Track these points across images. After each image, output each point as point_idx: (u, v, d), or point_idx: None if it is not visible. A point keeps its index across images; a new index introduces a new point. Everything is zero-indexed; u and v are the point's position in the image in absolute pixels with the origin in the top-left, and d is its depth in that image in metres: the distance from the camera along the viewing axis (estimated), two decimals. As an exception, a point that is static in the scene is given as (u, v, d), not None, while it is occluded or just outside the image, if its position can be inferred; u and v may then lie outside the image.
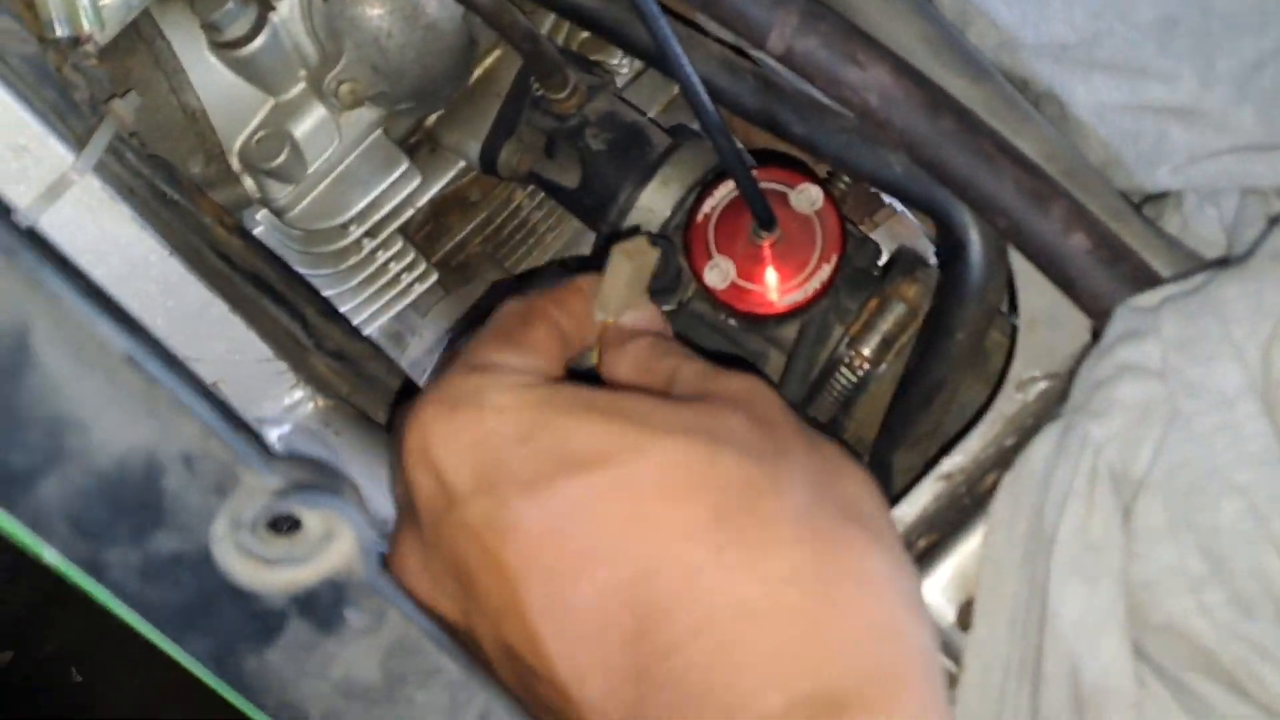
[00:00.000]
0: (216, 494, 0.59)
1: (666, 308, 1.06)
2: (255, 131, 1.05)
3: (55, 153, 0.89)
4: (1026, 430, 0.87)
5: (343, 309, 1.16)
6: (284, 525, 0.60)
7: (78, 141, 0.90)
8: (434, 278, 1.20)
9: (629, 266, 0.79)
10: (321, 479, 0.60)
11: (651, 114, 1.22)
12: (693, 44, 0.93)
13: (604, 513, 0.63)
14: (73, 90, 0.95)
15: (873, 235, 1.26)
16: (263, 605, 0.60)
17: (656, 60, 0.87)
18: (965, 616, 0.81)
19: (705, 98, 0.84)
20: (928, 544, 0.84)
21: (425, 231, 1.23)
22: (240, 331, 0.94)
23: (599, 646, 0.62)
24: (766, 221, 0.93)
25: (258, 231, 1.13)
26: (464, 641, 0.69)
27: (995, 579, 0.78)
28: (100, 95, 0.97)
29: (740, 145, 1.26)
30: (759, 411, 0.69)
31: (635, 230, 0.93)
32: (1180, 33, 0.94)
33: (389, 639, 0.63)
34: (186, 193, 0.98)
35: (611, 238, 1.06)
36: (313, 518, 0.60)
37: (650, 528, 0.62)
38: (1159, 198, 0.94)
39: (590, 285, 0.81)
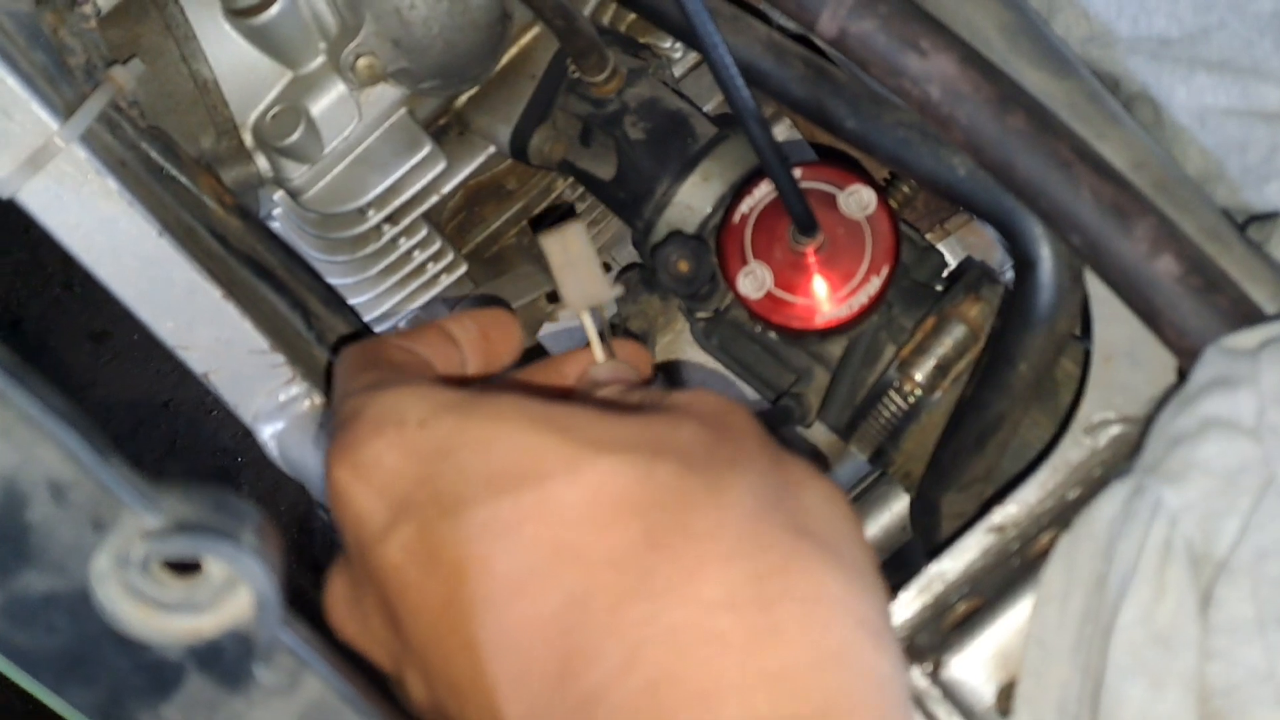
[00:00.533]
0: (93, 529, 0.51)
1: (702, 314, 0.96)
2: (270, 106, 0.97)
3: (39, 119, 0.82)
4: (1093, 482, 0.76)
5: (362, 298, 1.08)
6: (180, 567, 0.52)
7: (66, 108, 0.83)
8: (463, 268, 1.11)
9: (560, 251, 0.70)
10: (219, 519, 0.51)
11: (710, 108, 1.12)
12: (737, 23, 0.83)
13: (529, 539, 0.57)
14: (67, 55, 0.88)
15: (943, 245, 1.16)
16: (155, 656, 0.52)
17: (686, 34, 0.77)
18: (1005, 701, 0.70)
19: (735, 76, 0.74)
20: (969, 609, 0.74)
21: (458, 221, 1.14)
22: (233, 319, 0.87)
23: (524, 690, 0.57)
24: (806, 225, 0.83)
25: (275, 213, 1.05)
26: (398, 690, 0.63)
27: (1042, 663, 0.67)
28: (98, 61, 0.90)
29: (796, 139, 1.15)
30: (716, 419, 0.62)
31: (558, 212, 0.81)
32: (1302, 29, 0.82)
33: (304, 702, 0.54)
34: (186, 168, 0.90)
35: (651, 250, 0.96)
36: (214, 561, 0.51)
37: (575, 555, 0.56)
38: (1267, 218, 0.83)
39: (453, 326, 0.74)
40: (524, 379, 0.73)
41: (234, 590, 0.52)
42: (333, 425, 0.66)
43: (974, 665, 0.72)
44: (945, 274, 0.97)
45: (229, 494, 0.52)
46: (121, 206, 0.83)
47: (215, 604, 0.52)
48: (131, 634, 0.51)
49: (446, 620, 0.57)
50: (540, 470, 0.57)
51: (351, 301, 1.06)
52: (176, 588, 0.51)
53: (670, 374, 1.12)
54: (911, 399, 0.89)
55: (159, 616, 0.51)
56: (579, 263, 0.71)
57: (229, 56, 0.95)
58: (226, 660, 0.52)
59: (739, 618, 0.55)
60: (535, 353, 1.04)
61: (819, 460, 1.06)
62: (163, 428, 2.02)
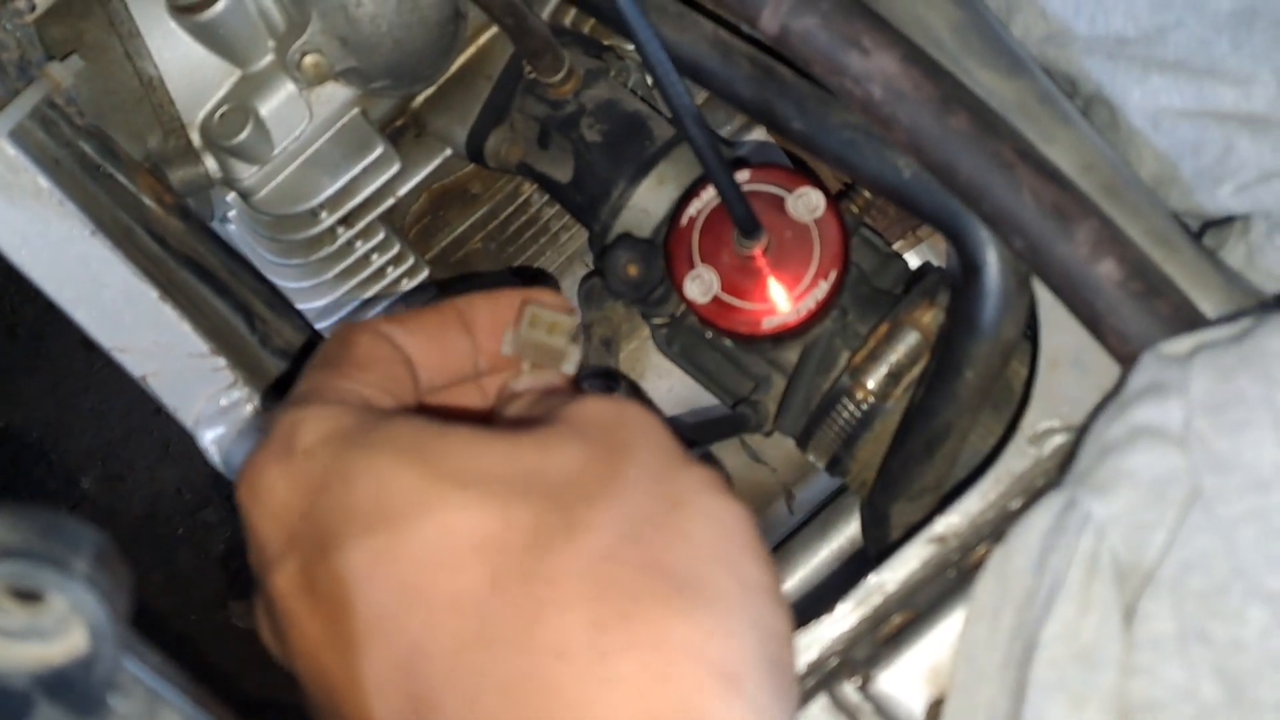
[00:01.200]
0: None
1: (658, 321, 0.94)
2: (218, 105, 0.95)
3: (-36, 115, 0.81)
4: (1035, 493, 0.74)
5: (319, 302, 1.07)
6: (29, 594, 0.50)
7: (-4, 105, 0.82)
8: (425, 273, 1.10)
9: (542, 337, 0.69)
10: (48, 545, 0.49)
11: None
12: (682, 20, 0.81)
13: (383, 579, 0.55)
14: (0, 50, 0.87)
15: (915, 252, 1.13)
16: (1, 685, 0.50)
17: (625, 29, 0.75)
18: (934, 717, 0.68)
19: (668, 70, 0.72)
20: (903, 621, 0.71)
21: (422, 225, 1.12)
22: (171, 321, 0.86)
23: None
24: (748, 227, 0.81)
25: (230, 215, 1.04)
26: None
27: (971, 679, 0.65)
28: (33, 58, 0.89)
29: (769, 143, 1.13)
30: (603, 433, 0.59)
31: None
32: (1261, 27, 0.81)
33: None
34: (125, 167, 0.89)
35: (600, 253, 0.94)
36: (56, 592, 0.49)
37: (422, 598, 0.54)
38: (1222, 223, 0.81)
39: (466, 309, 0.70)
40: (442, 403, 0.70)
41: (76, 619, 0.50)
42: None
43: (905, 680, 0.70)
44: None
45: (64, 518, 0.50)
46: (53, 205, 0.82)
47: (60, 632, 0.50)
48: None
49: (324, 657, 0.56)
50: (394, 509, 0.55)
51: (307, 305, 1.05)
52: (19, 614, 0.50)
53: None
54: (865, 406, 0.87)
55: (2, 644, 0.49)
56: (552, 348, 0.69)
57: (175, 54, 0.94)
58: (77, 690, 0.50)
59: (572, 668, 0.52)
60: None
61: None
62: (155, 435, 2.02)
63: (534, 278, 1.15)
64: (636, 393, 1.06)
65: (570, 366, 0.70)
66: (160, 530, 2.05)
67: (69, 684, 0.49)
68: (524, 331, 0.68)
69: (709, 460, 0.78)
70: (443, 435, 0.57)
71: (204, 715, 0.52)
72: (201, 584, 2.02)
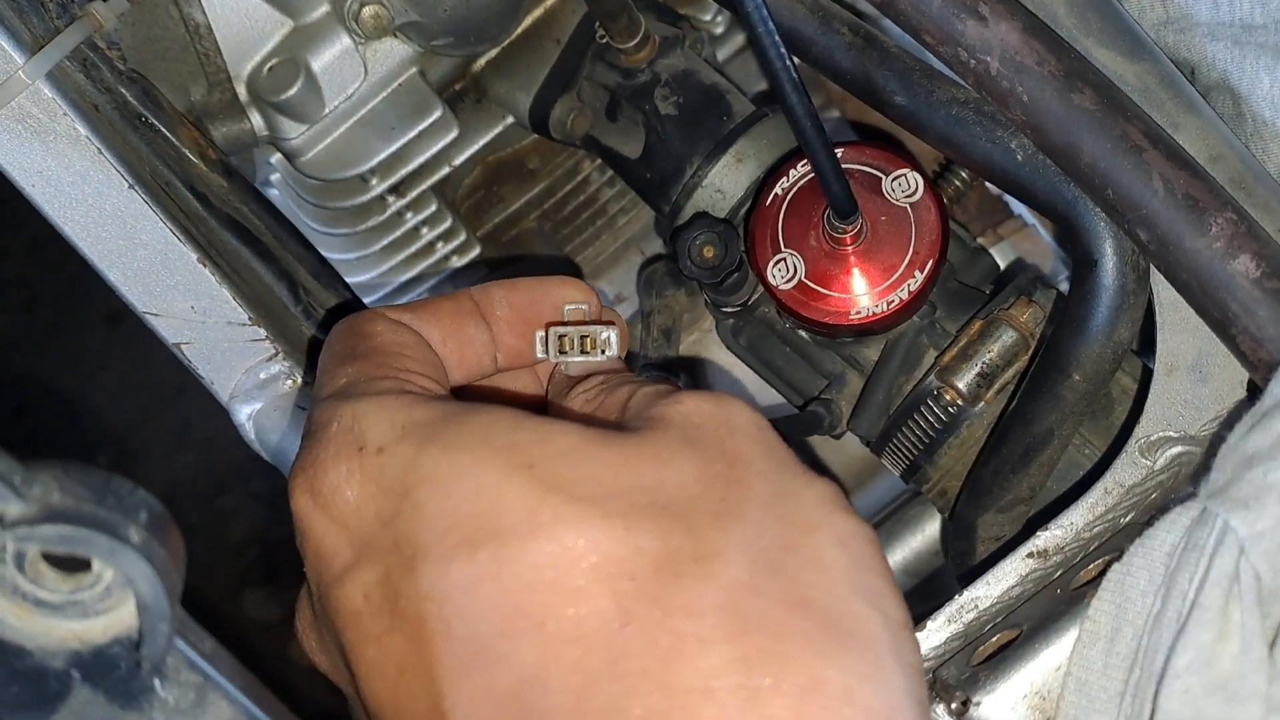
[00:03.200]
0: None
1: (728, 309, 0.88)
2: (268, 58, 0.90)
3: (1, 51, 0.75)
4: (1149, 507, 0.68)
5: (363, 276, 1.01)
6: (73, 563, 0.44)
7: (34, 43, 0.77)
8: (475, 250, 1.04)
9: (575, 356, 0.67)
10: (101, 509, 0.43)
11: (755, 96, 1.04)
12: (779, -17, 0.75)
13: (486, 601, 0.50)
14: (41, -13, 0.81)
15: (994, 250, 1.07)
16: (35, 663, 0.44)
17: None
18: (1039, 748, 0.62)
19: (770, 31, 0.65)
20: (1003, 641, 0.65)
21: (475, 200, 1.06)
22: (210, 286, 0.81)
23: None
24: (844, 207, 0.75)
25: (273, 178, 0.98)
26: None
27: (1083, 709, 0.59)
28: (77, -4, 0.83)
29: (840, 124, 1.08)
30: (714, 443, 0.55)
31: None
32: (1405, 18, 0.74)
33: (211, 725, 0.47)
34: (167, 118, 0.83)
35: (672, 235, 0.88)
36: (105, 560, 0.43)
37: (536, 625, 0.50)
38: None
39: (483, 299, 0.66)
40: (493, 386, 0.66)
41: (124, 595, 0.44)
42: (305, 426, 0.59)
43: (1006, 706, 0.64)
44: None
45: (117, 478, 0.45)
46: (90, 153, 0.77)
47: (105, 607, 0.44)
48: (5, 637, 0.44)
49: (405, 685, 0.51)
50: (500, 523, 0.50)
51: (351, 280, 0.99)
52: (60, 586, 0.44)
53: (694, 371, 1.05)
54: (951, 410, 0.81)
55: (37, 618, 0.44)
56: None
57: (224, 1, 0.88)
58: (119, 672, 0.45)
59: (720, 709, 0.48)
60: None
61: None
62: (173, 417, 1.96)
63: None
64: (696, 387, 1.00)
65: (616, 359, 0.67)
66: (175, 516, 1.99)
67: (111, 666, 0.44)
68: (554, 355, 0.66)
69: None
70: (545, 438, 0.52)
71: (257, 709, 0.47)
72: (216, 572, 1.97)
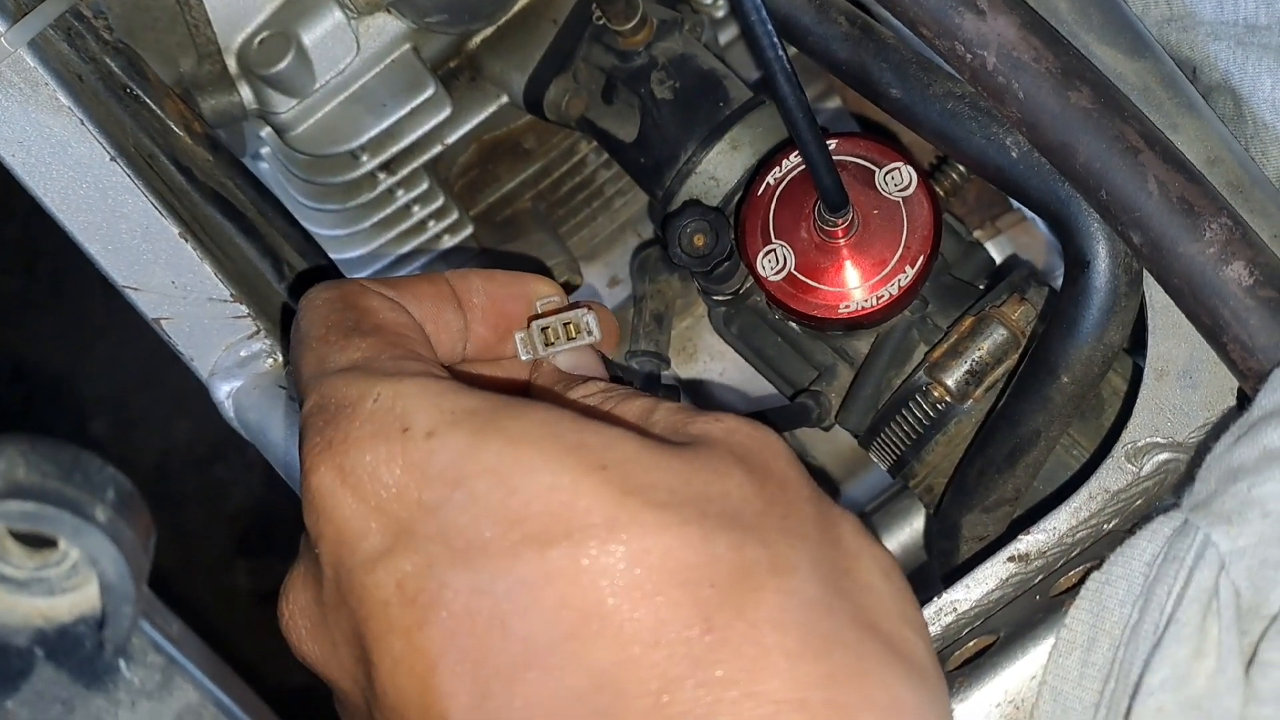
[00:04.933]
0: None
1: (717, 298, 0.87)
2: (258, 30, 0.89)
3: (-19, 20, 0.75)
4: (1133, 514, 0.67)
5: (351, 253, 1.00)
6: (30, 540, 0.43)
7: (17, 10, 0.76)
8: (468, 230, 1.03)
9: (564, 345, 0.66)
10: (66, 486, 0.42)
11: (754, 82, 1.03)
12: (776, -30, 0.74)
13: (555, 602, 0.49)
14: (25, -47, 0.80)
15: (992, 245, 1.06)
16: None
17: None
18: (1011, 756, 0.61)
19: (762, 15, 0.64)
20: (979, 647, 0.65)
21: (469, 179, 1.05)
22: (192, 262, 0.80)
23: None
24: (835, 200, 0.74)
25: (263, 152, 0.97)
26: None
27: (1057, 719, 0.58)
28: (63, -38, 0.82)
29: (841, 113, 1.06)
30: (762, 464, 0.54)
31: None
32: None
33: (178, 707, 0.46)
34: (153, 90, 0.82)
35: (663, 221, 0.87)
36: (70, 539, 0.43)
37: (612, 628, 0.49)
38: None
39: (460, 285, 0.65)
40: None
41: (89, 574, 0.44)
42: (308, 403, 0.56)
43: (979, 714, 0.63)
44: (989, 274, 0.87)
45: (86, 455, 0.44)
46: (72, 124, 0.76)
47: (71, 585, 0.43)
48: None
49: (439, 682, 0.50)
50: (574, 522, 0.49)
51: (339, 257, 0.98)
52: (25, 563, 0.43)
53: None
54: (940, 406, 0.80)
55: (1, 594, 0.43)
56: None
57: (214, -30, 0.87)
58: (84, 652, 0.44)
59: None
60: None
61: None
62: (171, 384, 1.95)
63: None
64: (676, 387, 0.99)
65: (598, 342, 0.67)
66: (170, 484, 1.99)
67: (76, 645, 0.44)
68: (541, 349, 0.66)
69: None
70: (612, 441, 0.52)
71: (222, 692, 0.46)
72: (209, 543, 1.96)
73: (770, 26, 0.65)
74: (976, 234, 1.06)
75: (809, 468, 0.57)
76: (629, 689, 0.48)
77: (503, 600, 0.49)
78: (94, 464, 0.44)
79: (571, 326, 0.66)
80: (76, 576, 0.43)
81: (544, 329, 0.66)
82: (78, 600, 0.44)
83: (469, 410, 0.52)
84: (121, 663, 0.45)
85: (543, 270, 1.06)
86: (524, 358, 0.66)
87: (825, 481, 1.08)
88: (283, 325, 0.81)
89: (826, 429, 0.87)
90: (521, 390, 0.68)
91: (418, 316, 0.63)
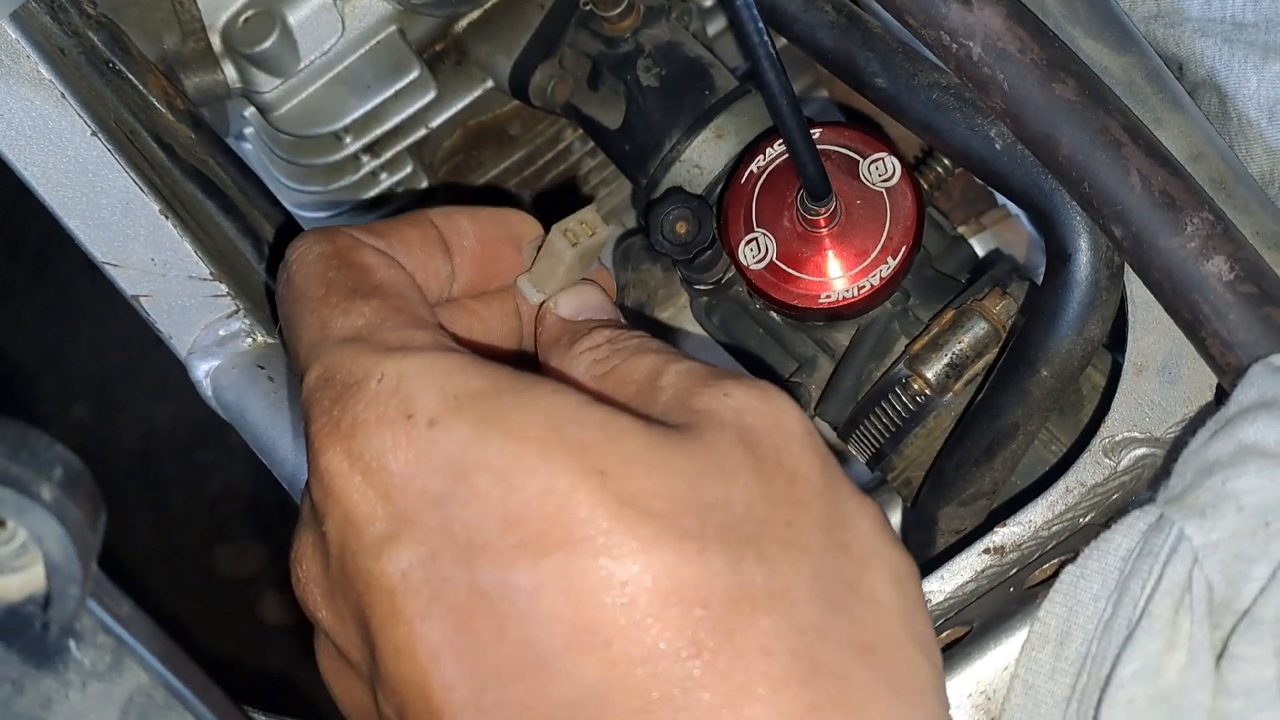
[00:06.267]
0: None
1: (699, 287, 0.87)
2: (244, 9, 0.88)
3: (-39, -10, 0.74)
4: (1109, 508, 0.67)
5: (334, 236, 0.99)
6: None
7: (-2, -18, 0.75)
8: (451, 215, 1.01)
9: (571, 252, 0.62)
10: (11, 464, 0.42)
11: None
12: (763, -44, 0.74)
13: (549, 613, 0.49)
14: (10, -75, 0.79)
15: (977, 240, 1.06)
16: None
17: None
18: (982, 748, 0.61)
19: (751, 8, 0.64)
20: (952, 638, 0.64)
21: (454, 164, 1.04)
22: (172, 239, 0.79)
23: None
24: (818, 188, 0.73)
25: (246, 131, 0.96)
26: (360, 694, 0.56)
27: (1029, 712, 0.58)
28: (47, -66, 0.81)
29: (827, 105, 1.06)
30: (772, 453, 0.52)
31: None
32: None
33: (128, 689, 0.46)
34: (136, 65, 0.81)
35: (646, 208, 0.87)
36: (15, 518, 0.42)
37: (601, 642, 0.48)
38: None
39: (447, 226, 0.63)
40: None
41: (35, 553, 0.43)
42: (312, 373, 0.55)
43: (951, 705, 0.62)
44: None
45: (34, 433, 0.43)
46: (53, 98, 0.76)
47: (21, 564, 0.43)
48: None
49: (438, 673, 0.50)
50: (569, 531, 0.48)
51: (322, 237, 0.98)
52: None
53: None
54: (919, 399, 0.79)
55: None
56: (576, 268, 0.63)
57: (201, -53, 0.86)
58: (34, 631, 0.44)
59: None
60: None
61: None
62: (155, 367, 1.94)
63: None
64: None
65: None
66: (152, 468, 1.98)
67: (25, 624, 0.43)
68: (564, 252, 0.62)
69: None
70: (616, 438, 0.50)
71: (172, 675, 0.45)
72: (189, 527, 1.96)
73: (756, 12, 0.65)
74: (961, 230, 1.06)
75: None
76: (616, 704, 0.48)
77: (500, 603, 0.49)
78: (41, 442, 0.43)
79: (585, 226, 0.63)
80: (26, 555, 0.42)
81: (564, 231, 0.63)
82: (27, 580, 0.43)
83: (473, 395, 0.51)
84: (71, 643, 0.44)
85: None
86: (533, 300, 0.64)
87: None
88: (271, 306, 0.80)
89: (807, 420, 0.87)
90: (515, 339, 0.67)
91: (409, 268, 0.61)
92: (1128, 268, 0.68)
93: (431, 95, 0.92)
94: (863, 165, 0.78)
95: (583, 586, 0.48)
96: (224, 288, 0.80)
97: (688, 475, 0.50)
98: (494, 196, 1.02)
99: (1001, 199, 1.05)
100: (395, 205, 0.99)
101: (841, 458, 1.07)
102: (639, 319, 0.94)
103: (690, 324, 1.03)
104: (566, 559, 0.48)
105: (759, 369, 0.89)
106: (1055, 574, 0.62)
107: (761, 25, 0.65)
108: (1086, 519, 0.67)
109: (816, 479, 0.53)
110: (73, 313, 1.98)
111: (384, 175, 0.96)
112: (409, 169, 0.97)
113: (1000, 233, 1.05)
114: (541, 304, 0.65)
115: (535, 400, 0.51)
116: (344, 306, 0.56)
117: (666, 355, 0.57)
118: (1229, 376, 0.63)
